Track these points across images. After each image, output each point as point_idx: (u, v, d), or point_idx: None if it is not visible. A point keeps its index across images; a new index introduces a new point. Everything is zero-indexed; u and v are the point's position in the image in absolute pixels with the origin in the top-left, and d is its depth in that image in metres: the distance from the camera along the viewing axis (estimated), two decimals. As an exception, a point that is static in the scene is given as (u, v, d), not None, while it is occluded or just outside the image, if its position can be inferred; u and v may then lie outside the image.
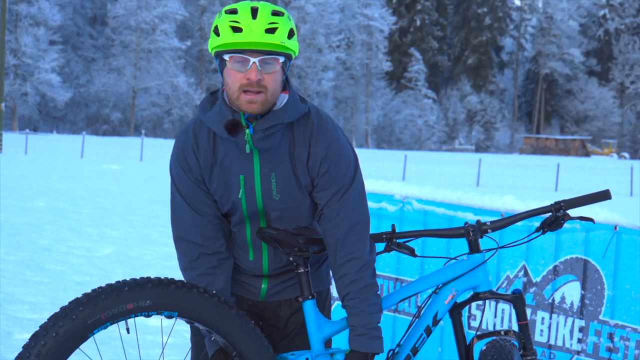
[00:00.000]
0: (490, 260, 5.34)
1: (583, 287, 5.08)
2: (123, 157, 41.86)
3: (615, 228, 4.95)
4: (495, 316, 5.45)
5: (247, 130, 3.18)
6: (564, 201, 3.61)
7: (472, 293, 3.65)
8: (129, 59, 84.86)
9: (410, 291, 3.55)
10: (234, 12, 3.14)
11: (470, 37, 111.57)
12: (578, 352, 5.11)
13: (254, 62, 3.11)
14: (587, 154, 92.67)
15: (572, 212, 3.85)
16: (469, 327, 5.54)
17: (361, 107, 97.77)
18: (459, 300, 3.63)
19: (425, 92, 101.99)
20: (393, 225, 3.56)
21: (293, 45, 3.19)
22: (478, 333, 3.69)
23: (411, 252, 3.52)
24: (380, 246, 3.63)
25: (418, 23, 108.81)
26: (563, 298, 5.17)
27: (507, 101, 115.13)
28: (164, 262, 10.75)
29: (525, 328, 3.68)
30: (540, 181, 37.79)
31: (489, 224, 3.61)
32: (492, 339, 3.67)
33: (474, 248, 3.60)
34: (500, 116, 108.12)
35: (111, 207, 17.43)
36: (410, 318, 5.70)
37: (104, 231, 13.50)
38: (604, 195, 3.63)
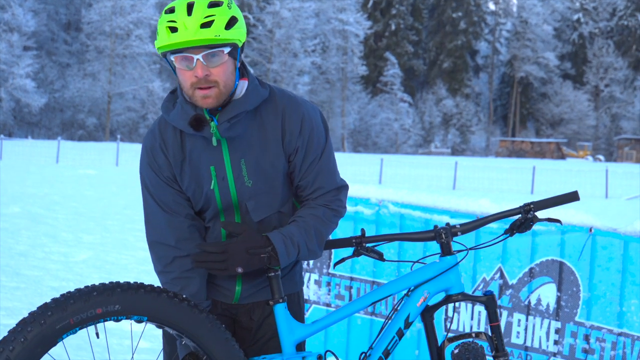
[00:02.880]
0: (466, 262, 5.38)
1: (559, 289, 5.12)
2: (99, 162, 41.70)
3: (590, 230, 4.99)
4: (472, 318, 5.47)
5: (212, 123, 3.19)
6: (533, 203, 3.63)
7: (444, 295, 3.66)
8: (103, 64, 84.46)
9: (382, 293, 3.54)
10: (171, 11, 3.12)
11: (446, 41, 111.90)
12: (554, 354, 5.14)
13: (197, 59, 3.10)
14: (562, 156, 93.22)
15: (541, 214, 3.87)
16: (447, 330, 5.55)
17: (337, 111, 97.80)
18: (431, 303, 3.63)
19: (401, 96, 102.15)
20: (362, 230, 3.54)
21: (235, 34, 3.14)
22: (449, 336, 3.71)
23: (380, 257, 3.53)
24: (349, 251, 3.62)
25: (393, 27, 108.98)
26: (539, 300, 5.20)
27: (483, 104, 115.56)
28: (140, 267, 10.73)
29: (497, 329, 3.69)
30: (516, 184, 37.97)
31: (458, 226, 3.61)
32: (464, 342, 3.69)
33: (445, 250, 3.60)
34: (476, 119, 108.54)
35: (87, 212, 17.36)
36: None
37: (80, 236, 13.45)
38: (572, 197, 3.64)
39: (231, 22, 3.13)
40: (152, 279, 9.69)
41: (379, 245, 3.62)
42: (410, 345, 5.59)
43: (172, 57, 3.14)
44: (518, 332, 5.28)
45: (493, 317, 3.70)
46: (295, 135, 3.31)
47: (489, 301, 3.69)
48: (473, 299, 3.71)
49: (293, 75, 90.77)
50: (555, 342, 5.14)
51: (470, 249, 3.77)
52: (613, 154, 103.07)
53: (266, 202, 3.36)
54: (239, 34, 3.17)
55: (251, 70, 3.38)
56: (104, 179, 29.44)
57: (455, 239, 3.64)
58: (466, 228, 3.62)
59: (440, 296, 3.67)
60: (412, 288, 3.56)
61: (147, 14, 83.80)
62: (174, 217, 3.31)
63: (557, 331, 5.14)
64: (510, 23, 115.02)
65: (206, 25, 3.06)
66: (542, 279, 5.18)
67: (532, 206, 3.62)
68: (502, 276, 5.33)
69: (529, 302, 5.23)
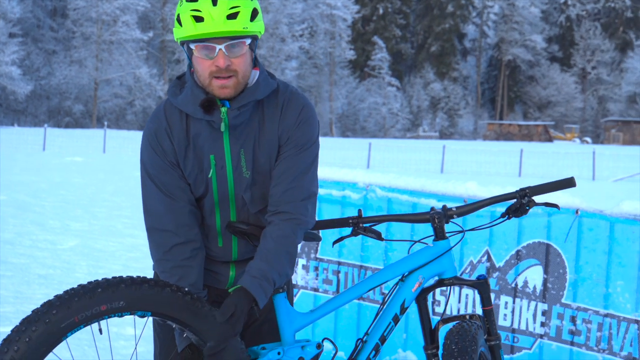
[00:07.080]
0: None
1: (545, 271, 5.13)
2: (86, 149, 41.54)
3: (577, 212, 5.00)
4: (459, 302, 5.48)
5: (223, 108, 3.18)
6: (529, 188, 3.66)
7: (437, 279, 3.68)
8: (90, 51, 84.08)
9: (377, 280, 3.55)
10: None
11: (433, 24, 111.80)
12: (541, 336, 5.16)
13: (220, 49, 3.11)
14: (550, 139, 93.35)
15: (537, 199, 3.90)
16: (434, 313, 5.57)
17: (325, 95, 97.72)
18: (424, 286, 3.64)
19: (388, 80, 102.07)
20: (360, 210, 3.59)
21: (257, 26, 3.18)
22: (443, 317, 3.73)
23: (378, 236, 3.55)
24: (347, 231, 3.62)
25: (381, 11, 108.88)
26: (526, 282, 5.21)
27: (471, 88, 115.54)
28: (128, 254, 10.70)
29: (489, 313, 3.74)
30: (504, 167, 38.01)
31: (454, 209, 3.63)
32: (457, 323, 3.70)
33: (439, 234, 3.63)
34: (463, 103, 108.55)
35: (75, 199, 17.31)
36: (375, 305, 5.72)
37: (68, 224, 13.42)
38: (568, 183, 3.67)
39: (254, 14, 3.16)
40: (140, 265, 9.67)
41: (375, 225, 3.63)
42: (397, 329, 5.59)
43: (192, 46, 3.14)
44: (505, 315, 5.30)
45: (486, 302, 3.74)
46: (290, 124, 3.31)
47: (481, 285, 3.73)
48: (466, 283, 3.73)
49: (281, 60, 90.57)
50: (542, 324, 5.16)
51: (466, 230, 3.79)
52: (600, 136, 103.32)
53: (262, 194, 3.35)
54: (260, 26, 3.21)
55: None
56: (91, 166, 29.34)
57: (451, 221, 3.66)
58: (462, 211, 3.65)
59: (434, 279, 3.69)
60: (407, 274, 3.58)
61: (133, 0, 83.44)
62: (175, 202, 3.27)
63: (543, 313, 5.15)
64: (497, 6, 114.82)
65: (232, 16, 3.08)
66: (529, 262, 5.20)
67: (528, 191, 3.65)
68: (489, 259, 5.34)
69: (516, 285, 5.24)
